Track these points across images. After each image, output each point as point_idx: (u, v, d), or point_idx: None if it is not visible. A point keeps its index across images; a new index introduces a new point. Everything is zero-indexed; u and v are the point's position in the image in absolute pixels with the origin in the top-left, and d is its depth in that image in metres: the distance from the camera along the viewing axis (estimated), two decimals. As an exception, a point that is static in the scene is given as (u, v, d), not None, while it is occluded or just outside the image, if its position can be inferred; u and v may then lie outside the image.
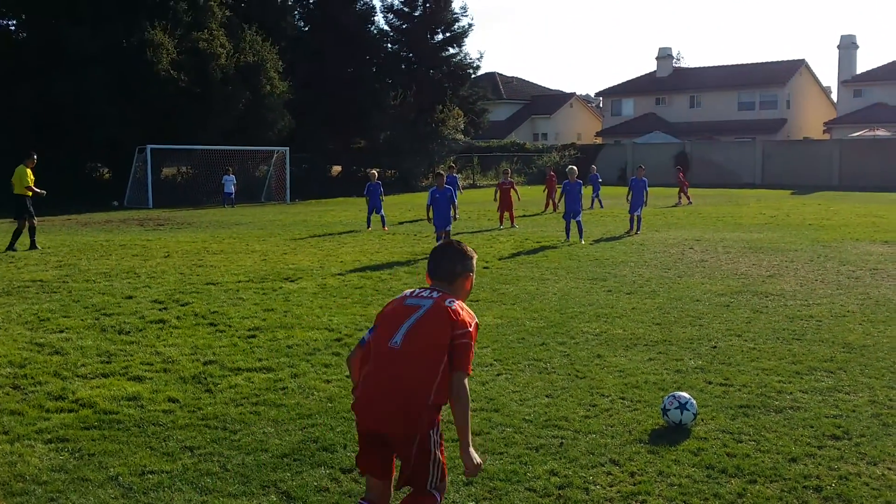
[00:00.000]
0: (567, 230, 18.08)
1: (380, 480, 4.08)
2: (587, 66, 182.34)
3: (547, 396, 6.72)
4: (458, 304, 4.02)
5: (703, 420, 6.15)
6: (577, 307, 10.37)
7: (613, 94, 70.06)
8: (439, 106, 46.29)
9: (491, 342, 8.49)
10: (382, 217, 21.25)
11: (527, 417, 6.22)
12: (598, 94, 78.16)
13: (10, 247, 16.49)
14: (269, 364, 7.70)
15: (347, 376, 7.22)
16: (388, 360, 3.90)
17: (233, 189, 32.20)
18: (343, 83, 42.66)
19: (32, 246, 16.75)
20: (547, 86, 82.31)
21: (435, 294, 4.07)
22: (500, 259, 15.01)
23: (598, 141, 64.72)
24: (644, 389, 6.89)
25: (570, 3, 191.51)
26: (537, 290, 11.69)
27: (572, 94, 77.38)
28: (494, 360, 7.79)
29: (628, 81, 70.33)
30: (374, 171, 22.59)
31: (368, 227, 21.25)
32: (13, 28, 36.32)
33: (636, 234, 19.36)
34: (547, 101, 74.08)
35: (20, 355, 8.00)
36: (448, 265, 4.19)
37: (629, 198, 19.97)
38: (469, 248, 4.27)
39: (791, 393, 6.79)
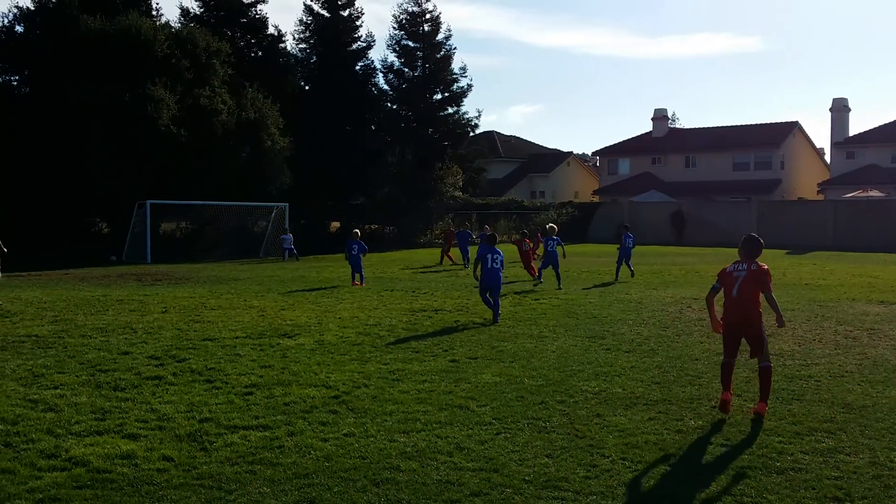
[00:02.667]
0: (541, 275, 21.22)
1: (733, 356, 8.25)
2: (584, 126, 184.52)
3: (547, 456, 6.66)
4: (760, 264, 8.16)
5: (703, 482, 6.08)
6: (575, 365, 10.33)
7: (610, 153, 70.74)
8: (438, 163, 46.71)
9: (489, 400, 8.44)
10: (361, 273, 21.91)
11: (526, 478, 6.15)
12: (594, 154, 78.92)
13: None
14: (266, 422, 7.63)
15: (345, 435, 7.18)
16: (733, 301, 8.11)
17: (291, 245, 32.99)
18: (342, 140, 43.13)
19: None
20: (545, 144, 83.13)
21: (746, 265, 8.13)
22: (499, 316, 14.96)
23: (596, 199, 65.15)
24: (645, 450, 6.83)
25: (567, 64, 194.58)
26: (536, 347, 11.65)
27: (569, 153, 78.16)
28: (493, 419, 7.73)
29: (625, 141, 71.09)
30: (356, 231, 23.27)
31: (361, 283, 21.66)
32: (15, 83, 36.79)
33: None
34: (544, 160, 74.78)
35: (13, 412, 7.93)
36: (756, 249, 8.26)
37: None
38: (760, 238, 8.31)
39: (792, 454, 6.73)
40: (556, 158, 75.77)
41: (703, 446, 6.96)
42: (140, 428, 7.41)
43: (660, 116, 70.71)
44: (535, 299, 17.90)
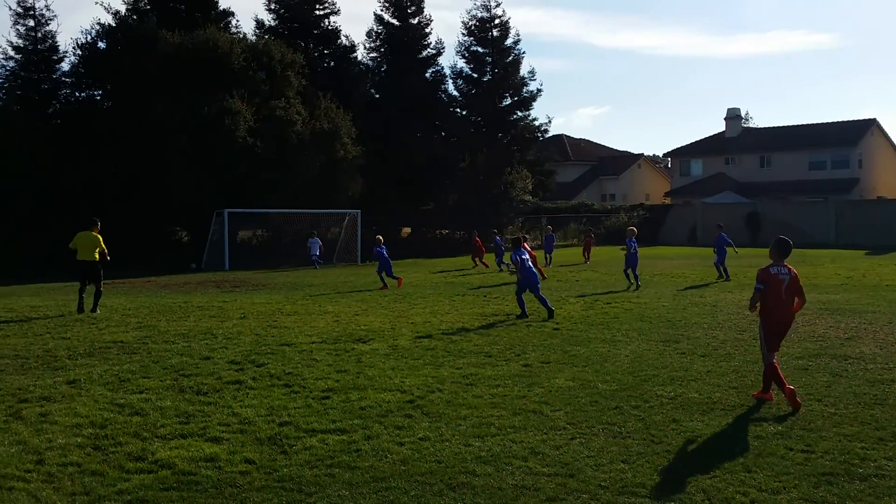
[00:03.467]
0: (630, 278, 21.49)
1: (777, 350, 8.79)
2: (654, 127, 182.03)
3: (623, 462, 6.63)
4: (795, 270, 8.77)
5: (784, 488, 5.98)
6: (650, 370, 10.23)
7: (682, 154, 69.65)
8: (507, 168, 46.71)
9: (563, 405, 8.43)
10: (382, 278, 22.78)
11: (602, 483, 6.14)
12: (666, 155, 77.84)
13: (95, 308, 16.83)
14: (343, 426, 7.76)
15: (421, 439, 7.26)
16: (783, 302, 8.63)
17: (318, 251, 32.91)
18: (413, 147, 43.48)
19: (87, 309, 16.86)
20: (615, 147, 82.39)
21: (787, 269, 8.69)
22: (570, 321, 14.92)
23: (667, 201, 64.21)
24: (723, 456, 6.73)
25: (636, 66, 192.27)
26: (609, 352, 11.57)
27: (640, 155, 77.28)
28: (567, 424, 7.72)
29: (697, 142, 69.93)
30: (379, 237, 24.21)
31: (385, 286, 22.64)
32: (99, 98, 38.14)
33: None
34: (615, 163, 74.09)
35: (101, 416, 8.21)
36: (789, 251, 8.83)
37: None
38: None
39: (875, 460, 6.56)
40: (626, 161, 74.99)
41: (784, 452, 6.83)
42: (222, 431, 7.61)
43: (733, 116, 69.33)
44: (608, 303, 17.76)
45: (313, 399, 8.86)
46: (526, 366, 10.57)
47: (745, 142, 66.18)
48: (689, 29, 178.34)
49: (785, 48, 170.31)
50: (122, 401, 8.88)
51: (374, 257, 23.45)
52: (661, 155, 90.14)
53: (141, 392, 9.31)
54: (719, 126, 70.92)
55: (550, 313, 15.26)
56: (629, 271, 21.61)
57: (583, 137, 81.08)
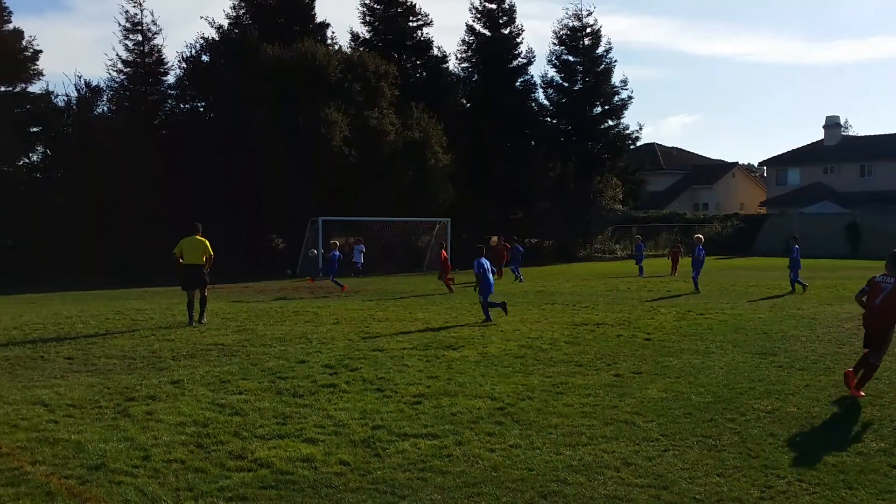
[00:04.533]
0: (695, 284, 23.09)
1: (870, 349, 9.34)
2: (748, 136, 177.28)
3: (718, 475, 6.52)
4: None
5: (889, 508, 5.80)
6: (745, 382, 10.01)
7: (778, 163, 67.67)
8: (597, 177, 46.35)
9: (656, 416, 8.34)
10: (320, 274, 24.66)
11: (697, 497, 6.06)
12: (761, 164, 75.76)
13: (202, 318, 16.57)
14: (435, 431, 7.86)
15: (511, 446, 7.30)
16: (875, 308, 9.31)
17: (361, 259, 33.08)
18: (502, 156, 43.59)
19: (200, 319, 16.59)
20: (708, 155, 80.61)
21: (891, 279, 9.28)
22: (662, 331, 14.71)
23: (763, 211, 62.47)
24: (823, 472, 6.57)
25: (730, 73, 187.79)
26: (703, 363, 11.37)
27: (734, 164, 75.44)
28: (660, 436, 7.64)
29: (794, 150, 67.84)
30: (334, 242, 25.68)
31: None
32: (202, 109, 39.54)
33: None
34: (708, 171, 72.52)
35: (203, 415, 8.52)
36: None
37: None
38: None
39: None
40: (720, 169, 73.32)
41: (886, 470, 6.60)
42: (318, 433, 7.80)
43: (832, 124, 67.09)
44: (701, 314, 17.43)
45: (405, 404, 9.00)
46: (617, 376, 10.49)
47: (844, 150, 63.93)
48: (785, 35, 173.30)
49: (887, 54, 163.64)
50: (222, 401, 9.19)
51: (328, 261, 24.65)
52: (756, 164, 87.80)
53: (240, 393, 9.62)
54: (817, 134, 69.08)
55: (487, 316, 16.63)
56: (695, 277, 23.50)
57: (675, 146, 79.56)
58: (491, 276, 17.31)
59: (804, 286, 22.92)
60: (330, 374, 10.73)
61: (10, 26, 36.16)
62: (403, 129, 37.12)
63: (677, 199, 67.14)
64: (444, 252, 26.48)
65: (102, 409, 8.84)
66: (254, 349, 12.94)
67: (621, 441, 7.47)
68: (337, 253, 24.66)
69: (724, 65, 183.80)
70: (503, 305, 17.12)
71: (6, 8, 35.97)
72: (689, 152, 79.14)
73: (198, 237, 16.62)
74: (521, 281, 28.56)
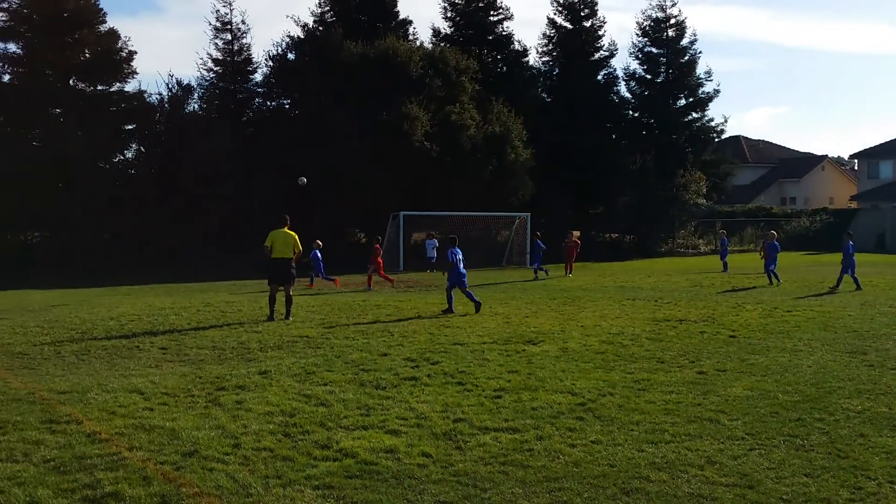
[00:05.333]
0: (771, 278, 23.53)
1: None
2: (838, 127, 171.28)
3: (805, 475, 6.40)
4: None
5: None
6: (834, 381, 9.76)
7: (870, 156, 65.12)
8: (680, 170, 45.53)
9: (741, 415, 8.21)
10: (313, 277, 24.94)
11: (784, 497, 5.96)
12: (852, 157, 73.13)
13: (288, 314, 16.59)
14: (515, 425, 7.91)
15: (593, 442, 7.30)
16: None
17: (434, 253, 33.15)
18: (583, 150, 43.25)
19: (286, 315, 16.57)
20: (796, 148, 78.29)
21: None
22: (747, 328, 14.43)
23: (854, 205, 60.32)
24: (916, 475, 6.38)
25: (820, 63, 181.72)
26: (790, 361, 11.12)
27: (824, 157, 73.11)
28: (746, 434, 7.52)
29: (887, 143, 65.23)
30: (318, 242, 25.34)
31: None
32: (287, 106, 40.40)
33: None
34: (795, 165, 70.43)
35: (290, 405, 8.76)
36: None
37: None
38: None
39: None
40: (808, 163, 71.09)
41: None
42: (401, 425, 7.94)
43: (930, 113, 64.26)
44: (788, 311, 17.02)
45: (486, 398, 9.07)
46: (701, 373, 10.35)
47: (941, 141, 61.20)
48: (877, 24, 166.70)
49: None
50: (308, 392, 9.42)
51: (310, 261, 24.57)
52: (846, 157, 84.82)
53: (325, 384, 9.84)
54: (914, 125, 65.87)
55: (477, 307, 17.43)
56: (773, 269, 23.92)
57: (761, 139, 77.51)
58: (462, 266, 17.86)
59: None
60: (412, 367, 10.89)
61: (106, 27, 37.57)
62: (484, 123, 37.22)
63: (764, 193, 65.40)
64: (378, 246, 26.41)
65: (195, 397, 9.17)
66: (337, 342, 13.21)
67: (705, 439, 7.39)
68: (317, 252, 25.00)
69: (813, 55, 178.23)
70: (477, 304, 17.54)
71: (101, 9, 37.40)
72: (776, 145, 77.00)
73: (287, 230, 16.62)
74: (545, 275, 28.57)
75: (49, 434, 7.58)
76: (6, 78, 36.50)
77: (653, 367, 10.85)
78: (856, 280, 22.32)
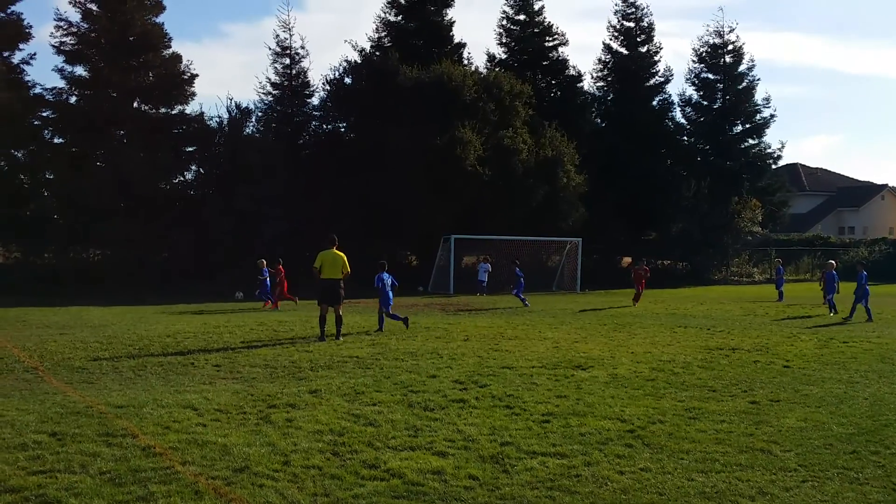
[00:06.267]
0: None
1: None
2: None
3: (858, 509, 6.29)
4: None
5: None
6: (891, 414, 9.53)
7: (932, 185, 63.63)
8: (735, 198, 44.98)
9: (794, 446, 8.08)
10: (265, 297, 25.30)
11: (835, 529, 5.86)
12: (913, 186, 71.47)
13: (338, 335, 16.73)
14: (563, 450, 7.89)
15: (642, 469, 7.24)
16: None
17: (485, 277, 33.06)
18: (636, 176, 43.02)
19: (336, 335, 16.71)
20: (855, 177, 76.71)
21: None
22: (802, 358, 14.17)
23: (914, 235, 58.88)
24: (975, 513, 6.22)
25: (881, 91, 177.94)
26: (845, 393, 10.89)
27: (884, 186, 71.50)
28: (798, 466, 7.40)
29: (952, 171, 63.65)
30: (262, 260, 25.86)
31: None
32: (343, 129, 40.98)
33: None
34: (854, 193, 69.04)
35: (339, 424, 8.84)
36: None
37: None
38: None
39: None
40: (867, 191, 69.63)
41: None
42: (448, 446, 7.97)
43: None
44: (844, 342, 16.67)
45: (534, 422, 9.06)
46: (753, 403, 10.20)
47: None
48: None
49: None
50: (357, 411, 9.51)
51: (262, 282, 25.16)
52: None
53: (374, 404, 9.92)
54: (980, 153, 64.16)
55: (380, 326, 18.23)
56: (831, 298, 24.02)
57: (819, 167, 76.16)
58: (390, 290, 18.57)
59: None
60: (460, 390, 10.92)
61: (170, 52, 38.58)
62: (536, 147, 37.31)
63: (821, 222, 64.25)
64: (280, 267, 26.39)
65: (246, 414, 9.32)
66: (387, 363, 13.31)
67: (757, 469, 7.29)
68: (265, 271, 25.34)
69: (871, 83, 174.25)
70: (405, 320, 18.50)
71: (166, 34, 38.42)
72: (834, 173, 75.63)
73: (336, 251, 16.82)
74: (525, 306, 26.63)
75: (105, 447, 7.76)
76: (73, 100, 37.61)
77: (704, 395, 10.72)
78: (868, 311, 22.06)
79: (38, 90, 37.13)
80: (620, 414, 9.48)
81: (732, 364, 13.53)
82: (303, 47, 40.83)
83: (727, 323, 20.94)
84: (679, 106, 48.89)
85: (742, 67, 48.25)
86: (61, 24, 36.70)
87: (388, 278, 18.60)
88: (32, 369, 12.53)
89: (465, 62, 42.00)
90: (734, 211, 44.62)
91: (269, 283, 25.51)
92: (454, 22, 43.38)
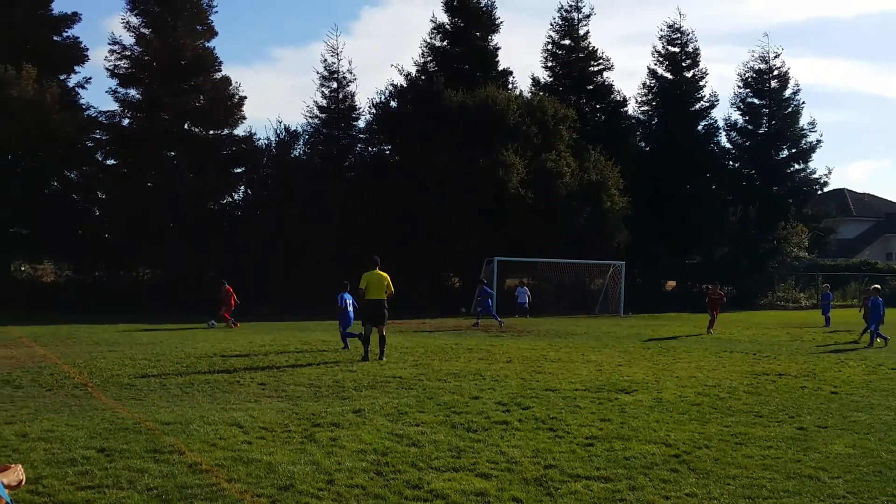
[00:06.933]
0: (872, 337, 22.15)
1: None
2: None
3: (909, 539, 6.17)
4: None
5: None
6: (945, 445, 9.33)
7: None
8: (781, 223, 44.48)
9: (842, 473, 7.95)
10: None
11: (885, 558, 5.77)
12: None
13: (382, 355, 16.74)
14: (607, 474, 7.84)
15: (687, 494, 7.18)
16: None
17: (526, 300, 32.93)
18: (681, 200, 42.80)
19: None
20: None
21: None
22: (850, 384, 13.91)
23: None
24: None
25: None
26: (894, 420, 10.68)
27: (932, 212, 70.15)
28: (847, 493, 7.28)
29: None
30: (223, 280, 26.89)
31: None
32: (388, 152, 41.40)
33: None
34: (901, 219, 67.86)
35: (383, 444, 8.88)
36: None
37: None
38: None
39: None
40: (916, 217, 68.35)
41: None
42: (491, 468, 7.96)
43: None
44: (893, 368, 16.33)
45: (577, 445, 9.02)
46: (800, 429, 10.05)
47: None
48: None
49: None
50: (400, 431, 9.55)
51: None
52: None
53: (417, 425, 9.96)
54: None
55: (345, 347, 18.57)
56: (876, 328, 22.46)
57: (867, 192, 74.88)
58: (351, 310, 19.09)
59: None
60: (503, 411, 10.91)
61: (220, 75, 39.39)
62: (580, 171, 37.30)
63: (868, 248, 63.12)
64: (228, 287, 26.66)
65: (291, 433, 9.41)
66: (430, 383, 13.36)
67: (804, 496, 7.19)
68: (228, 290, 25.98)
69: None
70: (360, 336, 17.85)
71: (217, 58, 39.27)
72: (882, 199, 74.28)
73: (380, 272, 16.97)
74: (498, 324, 26.79)
75: (153, 463, 7.90)
76: (126, 122, 38.55)
77: (750, 420, 10.59)
78: (878, 336, 22.12)
79: (92, 112, 38.21)
80: (665, 438, 9.40)
81: (779, 389, 13.33)
82: (350, 71, 41.30)
83: (773, 348, 20.64)
84: (724, 130, 48.71)
85: (787, 92, 47.98)
86: (115, 48, 37.82)
87: (349, 298, 19.24)
88: (82, 385, 12.81)
89: (511, 87, 42.26)
90: (780, 236, 44.12)
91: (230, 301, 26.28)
92: (500, 47, 43.78)
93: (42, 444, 8.56)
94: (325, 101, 40.74)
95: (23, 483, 4.04)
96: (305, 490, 7.12)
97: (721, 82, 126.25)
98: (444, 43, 43.03)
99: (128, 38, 37.96)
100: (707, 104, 47.68)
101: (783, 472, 8.00)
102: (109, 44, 38.04)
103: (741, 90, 48.73)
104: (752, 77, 48.35)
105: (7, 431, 9.15)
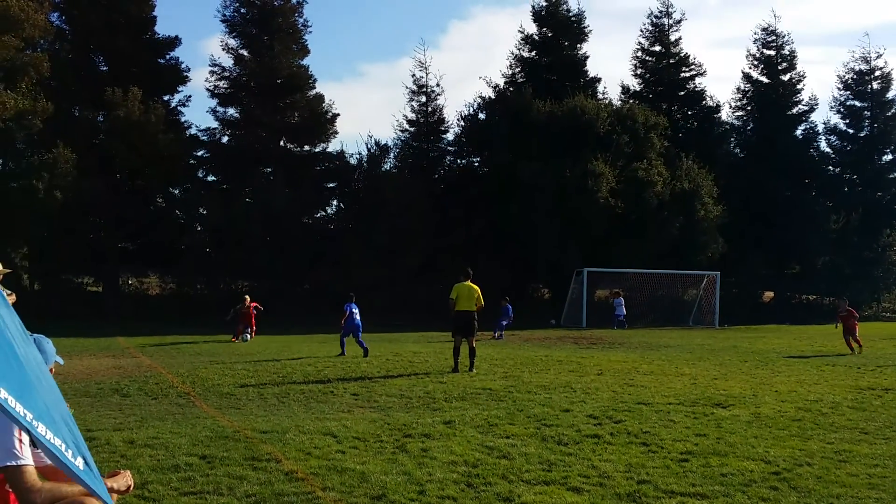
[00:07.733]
0: None
1: None
2: None
3: None
4: None
5: None
6: None
7: None
8: (886, 230, 42.70)
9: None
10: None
11: None
12: None
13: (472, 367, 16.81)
14: (704, 491, 7.67)
15: (785, 512, 6.97)
16: None
17: (623, 312, 32.38)
18: (779, 207, 41.57)
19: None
20: None
21: None
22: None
23: None
24: None
25: None
26: None
27: None
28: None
29: None
30: (246, 297, 25.64)
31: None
32: (477, 164, 41.62)
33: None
34: None
35: (473, 456, 8.89)
36: None
37: None
38: None
39: None
40: None
41: None
42: (583, 482, 7.87)
43: None
44: None
45: (671, 460, 8.85)
46: (909, 447, 9.62)
47: None
48: None
49: None
50: (490, 443, 9.55)
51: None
52: None
53: (507, 437, 9.94)
54: None
55: (365, 352, 19.31)
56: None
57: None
58: (358, 318, 20.00)
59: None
60: (594, 425, 10.80)
61: (314, 92, 40.41)
62: (672, 179, 36.68)
63: None
64: (247, 300, 25.28)
65: (383, 443, 9.52)
66: (520, 395, 13.32)
67: (912, 518, 6.89)
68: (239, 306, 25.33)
69: None
70: (364, 348, 19.45)
71: (311, 75, 40.32)
72: None
73: (471, 284, 17.07)
74: (497, 338, 25.86)
75: (251, 470, 8.10)
76: (225, 139, 39.95)
77: (855, 437, 10.19)
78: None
79: (193, 131, 39.75)
80: (764, 455, 9.13)
81: (886, 405, 12.79)
82: (438, 85, 41.84)
83: (879, 361, 19.81)
84: (823, 135, 47.14)
85: (891, 94, 46.29)
86: (215, 69, 39.39)
87: (356, 309, 20.14)
88: (185, 394, 13.27)
89: (600, 96, 41.94)
90: (886, 244, 42.42)
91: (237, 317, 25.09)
92: (588, 56, 43.53)
93: (148, 451, 8.89)
94: (413, 115, 41.34)
95: (131, 488, 4.24)
96: (397, 500, 7.18)
97: (820, 85, 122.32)
98: (533, 53, 43.07)
99: (226, 60, 39.50)
100: (805, 108, 46.40)
101: (891, 491, 7.68)
102: (209, 66, 39.66)
103: (841, 92, 47.24)
104: (852, 79, 46.75)
105: (116, 438, 9.54)
